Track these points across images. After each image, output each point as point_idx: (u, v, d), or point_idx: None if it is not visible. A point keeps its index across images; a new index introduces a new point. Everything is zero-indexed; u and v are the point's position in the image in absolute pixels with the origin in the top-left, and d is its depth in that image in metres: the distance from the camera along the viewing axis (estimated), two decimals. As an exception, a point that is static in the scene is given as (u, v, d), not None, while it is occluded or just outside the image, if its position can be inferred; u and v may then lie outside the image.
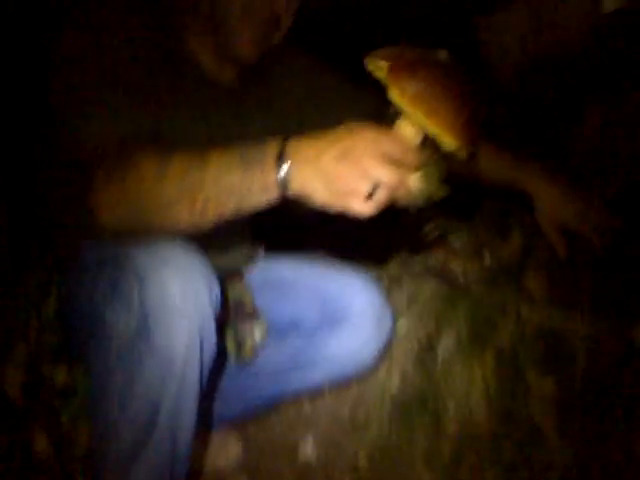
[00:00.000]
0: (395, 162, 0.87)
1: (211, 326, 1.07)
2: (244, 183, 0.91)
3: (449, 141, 0.88)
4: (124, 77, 1.08)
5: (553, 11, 2.34)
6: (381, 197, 0.88)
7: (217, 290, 1.08)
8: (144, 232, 1.01)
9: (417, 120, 0.87)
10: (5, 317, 1.29)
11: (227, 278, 1.46)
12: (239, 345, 1.49)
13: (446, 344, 1.76)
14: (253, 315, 1.50)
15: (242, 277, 1.55)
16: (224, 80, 1.30)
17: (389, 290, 2.01)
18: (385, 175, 0.86)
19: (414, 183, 0.92)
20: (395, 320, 1.63)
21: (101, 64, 1.06)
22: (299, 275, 1.58)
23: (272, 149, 0.90)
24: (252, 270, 1.58)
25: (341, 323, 1.49)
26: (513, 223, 1.97)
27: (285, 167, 0.88)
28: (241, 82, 1.33)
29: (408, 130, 0.91)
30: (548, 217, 1.48)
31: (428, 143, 0.93)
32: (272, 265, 1.61)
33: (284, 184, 0.89)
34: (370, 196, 0.87)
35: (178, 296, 0.98)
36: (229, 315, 1.47)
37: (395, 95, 0.87)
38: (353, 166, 0.85)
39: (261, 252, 1.64)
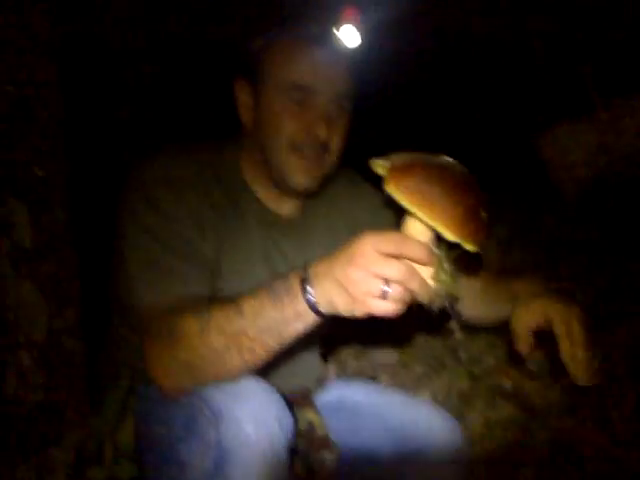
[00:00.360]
0: (400, 257, 0.90)
1: (284, 457, 1.08)
2: (279, 316, 0.97)
3: (447, 233, 0.90)
4: (187, 223, 1.15)
5: (619, 128, 2.36)
6: (396, 293, 0.90)
7: (289, 421, 1.10)
8: (203, 383, 1.06)
9: (417, 214, 0.90)
10: (80, 439, 1.29)
11: (298, 401, 1.43)
12: (310, 471, 1.44)
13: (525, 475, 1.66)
14: (324, 441, 1.45)
15: (312, 400, 1.52)
16: (284, 211, 1.34)
17: (460, 411, 1.93)
18: (391, 271, 0.89)
19: (429, 277, 0.94)
20: (470, 448, 1.56)
21: (167, 216, 1.14)
22: (371, 401, 1.54)
23: (295, 277, 0.96)
24: (323, 392, 1.55)
25: (416, 453, 1.43)
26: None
27: (310, 290, 0.94)
28: (302, 211, 1.37)
29: (416, 227, 0.94)
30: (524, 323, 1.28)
31: (437, 238, 0.95)
32: (343, 388, 1.58)
33: (313, 305, 0.94)
34: (386, 295, 0.90)
35: (253, 434, 1.01)
36: (300, 440, 1.43)
37: (392, 188, 0.91)
38: (360, 269, 0.89)
39: (332, 374, 1.61)
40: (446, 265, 0.95)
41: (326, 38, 1.23)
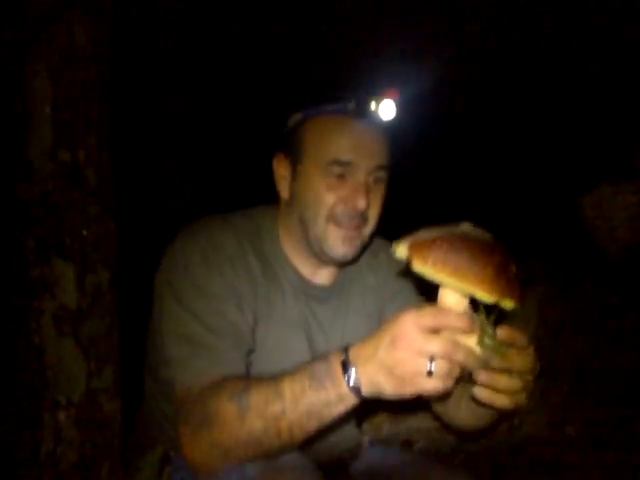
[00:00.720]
0: (442, 331, 0.90)
1: None
2: (320, 400, 0.96)
3: (483, 295, 0.89)
4: (226, 300, 1.16)
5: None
6: (443, 369, 0.90)
7: None
8: (238, 462, 1.05)
9: (449, 283, 0.89)
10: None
11: (334, 472, 1.41)
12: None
13: None
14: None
15: (348, 467, 1.49)
16: (320, 280, 1.34)
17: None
18: (436, 346, 0.89)
19: (475, 345, 0.92)
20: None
21: (206, 294, 1.15)
22: (405, 468, 1.50)
23: (336, 360, 0.96)
24: (358, 460, 1.52)
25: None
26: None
27: (352, 374, 0.93)
28: (336, 278, 1.37)
29: (451, 298, 0.92)
30: None
31: (475, 306, 0.94)
32: (378, 455, 1.54)
33: (356, 389, 0.94)
34: (433, 372, 0.89)
35: None
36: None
37: (419, 265, 0.90)
38: (404, 349, 0.89)
39: (366, 440, 1.58)
40: (489, 329, 0.94)
41: (364, 113, 1.23)
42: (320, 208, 1.22)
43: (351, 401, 0.96)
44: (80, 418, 1.32)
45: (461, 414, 1.28)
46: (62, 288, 1.31)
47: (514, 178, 3.23)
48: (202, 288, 1.15)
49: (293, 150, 1.27)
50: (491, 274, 0.90)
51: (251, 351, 1.20)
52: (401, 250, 0.95)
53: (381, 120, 1.26)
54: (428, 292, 1.06)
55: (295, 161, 1.27)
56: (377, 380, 0.93)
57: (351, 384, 0.94)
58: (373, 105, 1.25)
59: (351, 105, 1.22)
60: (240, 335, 1.17)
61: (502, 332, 0.95)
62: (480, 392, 0.98)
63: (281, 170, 1.30)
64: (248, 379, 1.07)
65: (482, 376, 0.95)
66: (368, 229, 1.28)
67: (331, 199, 1.22)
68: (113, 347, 1.41)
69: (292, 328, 1.28)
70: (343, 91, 1.27)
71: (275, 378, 1.01)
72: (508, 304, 0.93)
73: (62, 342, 1.31)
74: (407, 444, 2.10)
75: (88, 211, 1.37)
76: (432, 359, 0.89)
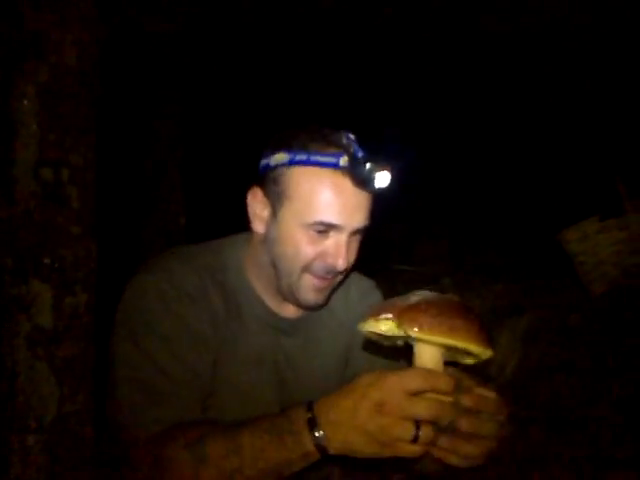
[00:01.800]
0: (427, 392, 0.87)
1: None
2: (281, 457, 0.92)
3: (476, 348, 0.89)
4: (185, 343, 1.11)
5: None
6: (428, 434, 0.86)
7: None
8: None
9: (439, 342, 0.89)
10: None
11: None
12: None
13: None
14: None
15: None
16: (288, 313, 1.29)
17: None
18: (423, 410, 0.85)
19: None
20: None
21: (163, 337, 1.10)
22: None
23: (300, 418, 0.91)
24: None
25: None
26: None
27: (320, 433, 0.89)
28: (304, 312, 1.33)
29: (427, 354, 0.92)
30: None
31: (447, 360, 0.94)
32: None
33: (323, 448, 0.90)
34: (417, 437, 0.85)
35: None
36: None
37: (413, 331, 0.89)
38: (391, 415, 0.85)
39: (337, 471, 1.55)
40: (466, 384, 0.94)
41: (358, 176, 1.16)
42: (298, 260, 1.18)
43: (315, 457, 0.92)
44: (50, 442, 1.29)
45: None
46: (38, 309, 1.29)
47: (504, 208, 3.25)
48: (158, 330, 1.10)
49: (275, 193, 1.21)
50: (478, 328, 0.92)
51: (209, 395, 1.16)
52: (380, 322, 0.94)
53: (374, 188, 1.21)
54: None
55: (276, 205, 1.20)
56: (353, 443, 0.89)
57: (318, 443, 0.90)
58: (367, 168, 1.16)
59: (343, 161, 1.15)
60: (196, 379, 1.11)
61: (475, 394, 0.93)
62: (437, 452, 0.94)
63: (257, 207, 1.23)
64: (205, 426, 1.01)
65: (444, 441, 0.91)
66: (341, 277, 1.26)
67: (311, 253, 1.17)
68: (87, 371, 1.39)
69: (258, 364, 1.24)
70: (337, 142, 1.20)
71: (234, 429, 0.97)
72: (489, 353, 0.94)
73: (36, 365, 1.28)
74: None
75: (70, 231, 1.36)
76: (418, 424, 0.86)
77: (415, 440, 0.86)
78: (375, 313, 0.95)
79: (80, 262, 1.38)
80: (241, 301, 1.24)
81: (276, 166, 1.20)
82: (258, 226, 1.23)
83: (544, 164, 3.14)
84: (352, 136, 1.23)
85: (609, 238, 2.44)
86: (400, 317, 0.91)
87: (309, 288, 1.20)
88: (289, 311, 1.30)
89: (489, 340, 0.93)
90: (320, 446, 0.90)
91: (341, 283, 1.32)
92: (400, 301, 0.95)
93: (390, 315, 0.93)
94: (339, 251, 1.17)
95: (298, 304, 1.24)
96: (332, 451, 0.91)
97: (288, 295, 1.23)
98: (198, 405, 1.12)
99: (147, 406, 1.06)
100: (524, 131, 3.05)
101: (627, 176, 2.42)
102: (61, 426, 1.31)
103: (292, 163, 1.18)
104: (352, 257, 1.21)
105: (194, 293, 1.16)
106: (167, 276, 1.15)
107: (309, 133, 1.21)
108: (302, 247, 1.18)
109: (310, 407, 0.93)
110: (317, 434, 0.90)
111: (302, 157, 1.17)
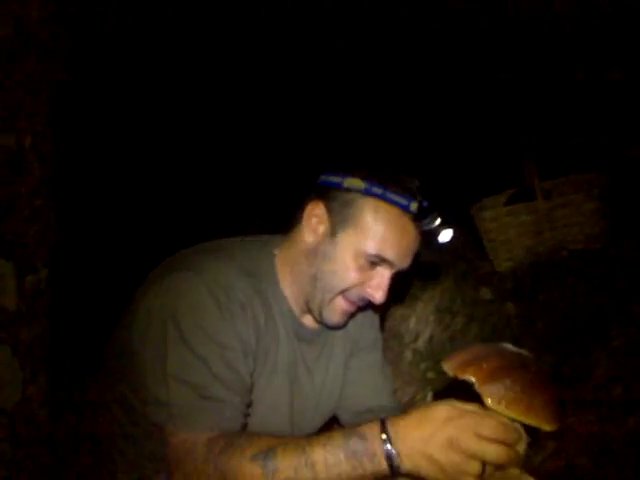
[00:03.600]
0: (498, 441, 0.93)
1: None
2: (355, 474, 0.96)
3: (547, 427, 0.97)
4: (237, 352, 1.11)
5: (553, 217, 2.56)
6: (491, 473, 0.94)
7: None
8: None
9: (515, 418, 0.95)
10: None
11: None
12: None
13: None
14: None
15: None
16: (309, 321, 1.32)
17: None
18: (491, 454, 0.92)
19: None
20: None
21: (219, 344, 1.09)
22: None
23: (376, 438, 0.96)
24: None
25: None
26: None
27: (394, 455, 0.94)
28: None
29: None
30: None
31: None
32: None
33: (396, 469, 0.95)
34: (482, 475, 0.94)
35: None
36: None
37: (492, 404, 0.94)
38: (462, 453, 0.92)
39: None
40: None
41: (423, 223, 1.20)
42: (341, 282, 1.19)
43: (385, 474, 0.97)
44: (13, 427, 1.22)
45: None
46: (2, 289, 1.20)
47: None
48: (213, 335, 1.08)
49: (339, 213, 1.20)
50: (552, 409, 0.99)
51: (250, 404, 1.16)
52: (464, 377, 0.97)
53: (430, 236, 1.23)
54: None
55: (338, 225, 1.20)
56: (423, 469, 0.94)
57: (392, 464, 0.95)
58: (430, 219, 1.20)
59: (414, 206, 1.17)
60: (246, 388, 1.13)
61: None
62: None
63: (315, 220, 1.23)
64: (271, 439, 1.01)
65: None
66: (368, 308, 1.29)
67: (356, 280, 1.18)
68: (46, 351, 1.32)
69: (280, 374, 1.24)
70: (409, 185, 1.21)
71: (304, 444, 0.99)
72: (554, 428, 1.01)
73: (-2, 348, 1.20)
74: None
75: (33, 203, 1.26)
76: (484, 463, 0.93)
77: (480, 476, 0.93)
78: (459, 369, 0.98)
79: (41, 236, 1.29)
80: (274, 309, 1.24)
81: (349, 189, 1.20)
82: (309, 237, 1.23)
83: (454, 137, 3.31)
84: (418, 183, 1.26)
85: (517, 220, 2.66)
86: (482, 386, 0.96)
87: (338, 310, 1.23)
88: (310, 320, 1.31)
89: (559, 418, 0.99)
90: (393, 467, 0.95)
91: None
92: (486, 361, 0.98)
93: (473, 379, 0.97)
94: (382, 285, 1.21)
95: (319, 320, 1.26)
96: (402, 471, 0.96)
97: (314, 310, 1.24)
98: (246, 414, 1.12)
99: (201, 410, 1.05)
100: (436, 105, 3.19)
101: (539, 151, 2.63)
102: (24, 410, 1.24)
103: (367, 193, 1.19)
104: (388, 295, 1.24)
105: (243, 300, 1.14)
106: (213, 275, 1.13)
107: (386, 169, 1.22)
108: (350, 272, 1.20)
109: (384, 426, 0.97)
110: (391, 456, 0.95)
111: (378, 191, 1.18)
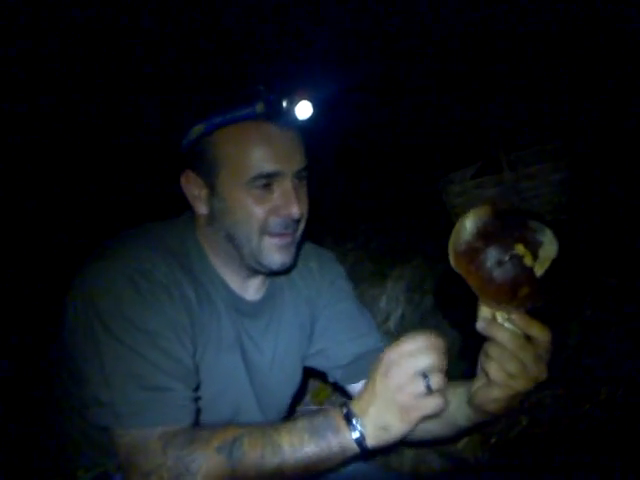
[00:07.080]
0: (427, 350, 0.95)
1: None
2: (322, 452, 0.95)
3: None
4: (169, 336, 1.05)
5: (520, 189, 2.54)
6: (439, 382, 0.95)
7: None
8: None
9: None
10: None
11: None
12: None
13: None
14: None
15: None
16: (250, 294, 1.28)
17: None
18: (425, 361, 0.94)
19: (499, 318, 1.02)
20: None
21: (148, 332, 1.03)
22: None
23: (338, 414, 0.97)
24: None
25: None
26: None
27: (356, 423, 0.94)
28: (265, 291, 1.32)
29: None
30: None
31: None
32: None
33: (360, 440, 0.95)
34: (431, 388, 0.95)
35: None
36: None
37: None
38: (398, 375, 0.93)
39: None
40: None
41: (277, 115, 1.13)
42: (251, 223, 1.14)
43: (352, 452, 0.96)
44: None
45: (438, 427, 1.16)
46: None
47: (381, 156, 3.36)
48: (140, 325, 1.02)
49: (204, 166, 1.15)
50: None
51: (197, 388, 1.10)
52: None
53: (297, 120, 1.18)
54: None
55: (210, 178, 1.15)
56: (382, 420, 0.93)
57: (356, 434, 0.94)
58: (285, 105, 1.13)
59: (259, 107, 1.11)
60: (188, 372, 1.06)
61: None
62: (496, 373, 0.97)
63: (193, 189, 1.18)
64: (235, 429, 0.98)
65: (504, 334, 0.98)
66: (301, 230, 1.23)
67: (261, 212, 1.14)
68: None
69: (228, 350, 1.20)
70: (245, 91, 1.14)
71: (268, 430, 0.97)
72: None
73: None
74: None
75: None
76: (425, 376, 0.94)
77: (429, 390, 0.93)
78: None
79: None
80: (207, 286, 1.19)
81: (196, 139, 1.13)
82: (200, 208, 1.18)
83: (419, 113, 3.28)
84: (264, 74, 1.21)
85: (484, 193, 2.62)
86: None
87: (272, 249, 1.17)
88: (252, 292, 1.27)
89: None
90: (358, 437, 0.95)
91: (299, 254, 1.30)
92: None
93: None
94: (289, 199, 1.16)
95: (266, 270, 1.21)
96: (369, 441, 0.95)
97: (253, 264, 1.19)
98: (195, 400, 1.06)
99: (147, 402, 0.99)
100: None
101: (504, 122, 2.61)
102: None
103: (210, 129, 1.13)
104: (304, 204, 1.20)
105: (167, 282, 1.08)
106: (134, 261, 1.06)
107: (216, 95, 1.16)
108: (251, 208, 1.15)
109: (345, 404, 0.98)
110: (354, 424, 0.94)
111: (217, 119, 1.11)
